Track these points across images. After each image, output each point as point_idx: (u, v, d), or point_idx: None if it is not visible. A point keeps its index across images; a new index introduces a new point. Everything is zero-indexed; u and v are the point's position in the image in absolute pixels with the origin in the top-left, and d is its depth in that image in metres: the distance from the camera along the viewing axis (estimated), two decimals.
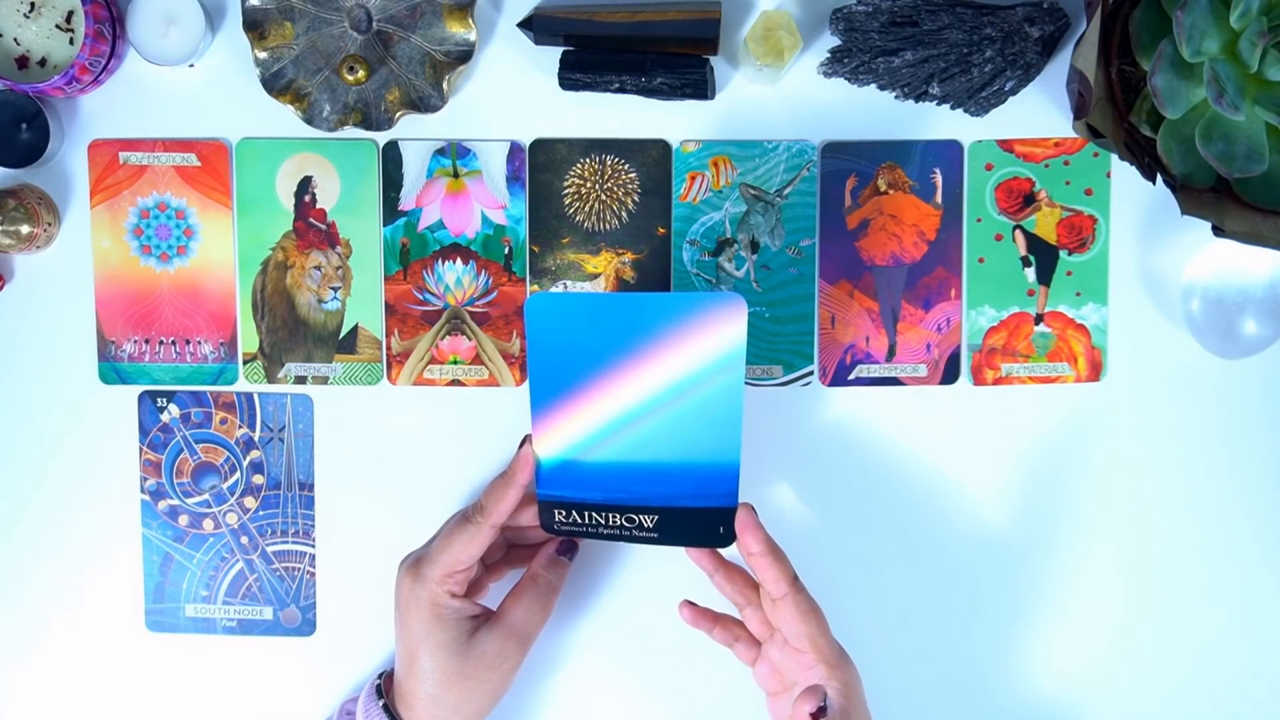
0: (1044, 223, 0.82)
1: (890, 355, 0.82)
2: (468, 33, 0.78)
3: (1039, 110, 0.81)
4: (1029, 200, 0.81)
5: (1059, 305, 0.82)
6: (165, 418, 0.82)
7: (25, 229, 0.78)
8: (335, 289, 0.82)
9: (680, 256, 0.81)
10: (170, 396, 0.82)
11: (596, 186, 0.81)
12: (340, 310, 0.82)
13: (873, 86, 0.80)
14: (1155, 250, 0.82)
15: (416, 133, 0.81)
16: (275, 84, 0.79)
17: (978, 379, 0.82)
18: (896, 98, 0.80)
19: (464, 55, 0.78)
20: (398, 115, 0.79)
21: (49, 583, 0.83)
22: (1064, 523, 0.83)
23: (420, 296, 0.82)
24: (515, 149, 0.81)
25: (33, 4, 0.78)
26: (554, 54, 0.80)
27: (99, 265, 0.82)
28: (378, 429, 0.82)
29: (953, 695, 0.83)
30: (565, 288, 0.82)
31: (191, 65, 0.81)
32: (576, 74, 0.78)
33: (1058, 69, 0.80)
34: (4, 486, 0.83)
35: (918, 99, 0.80)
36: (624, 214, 0.82)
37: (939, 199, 0.81)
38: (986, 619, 0.83)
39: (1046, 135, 0.81)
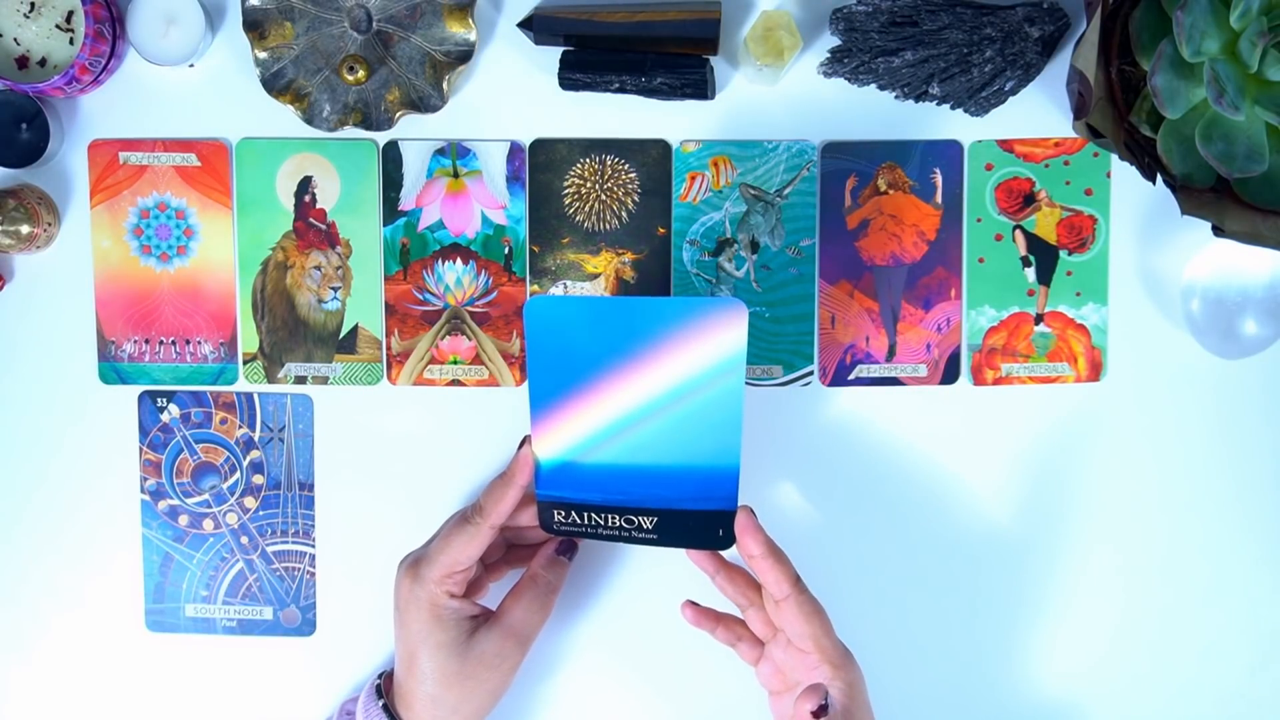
0: (1044, 223, 0.82)
1: (890, 355, 0.82)
2: (468, 33, 0.78)
3: (1039, 110, 0.81)
4: (1029, 200, 0.81)
5: (1059, 305, 0.82)
6: (165, 418, 0.82)
7: (25, 229, 0.78)
8: (335, 289, 0.82)
9: (680, 256, 0.81)
10: (170, 396, 0.82)
11: (596, 186, 0.81)
12: (340, 310, 0.82)
13: (873, 86, 0.80)
14: (1155, 250, 0.82)
15: (416, 133, 0.81)
16: (275, 84, 0.79)
17: (978, 379, 0.82)
18: (896, 98, 0.80)
19: (464, 55, 0.78)
20: (398, 115, 0.79)
21: (49, 583, 0.83)
22: (1064, 522, 0.83)
23: (420, 296, 0.82)
24: (515, 149, 0.81)
25: (33, 4, 0.78)
26: (554, 54, 0.80)
27: (99, 265, 0.82)
28: (378, 429, 0.82)
29: (954, 695, 0.83)
30: (565, 288, 0.82)
31: (191, 65, 0.81)
32: (576, 74, 0.78)
33: (1058, 69, 0.80)
34: (4, 486, 0.83)
35: (918, 99, 0.80)
36: (624, 214, 0.82)
37: (939, 199, 0.81)
38: (987, 619, 0.83)
39: (1046, 135, 0.81)
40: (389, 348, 0.82)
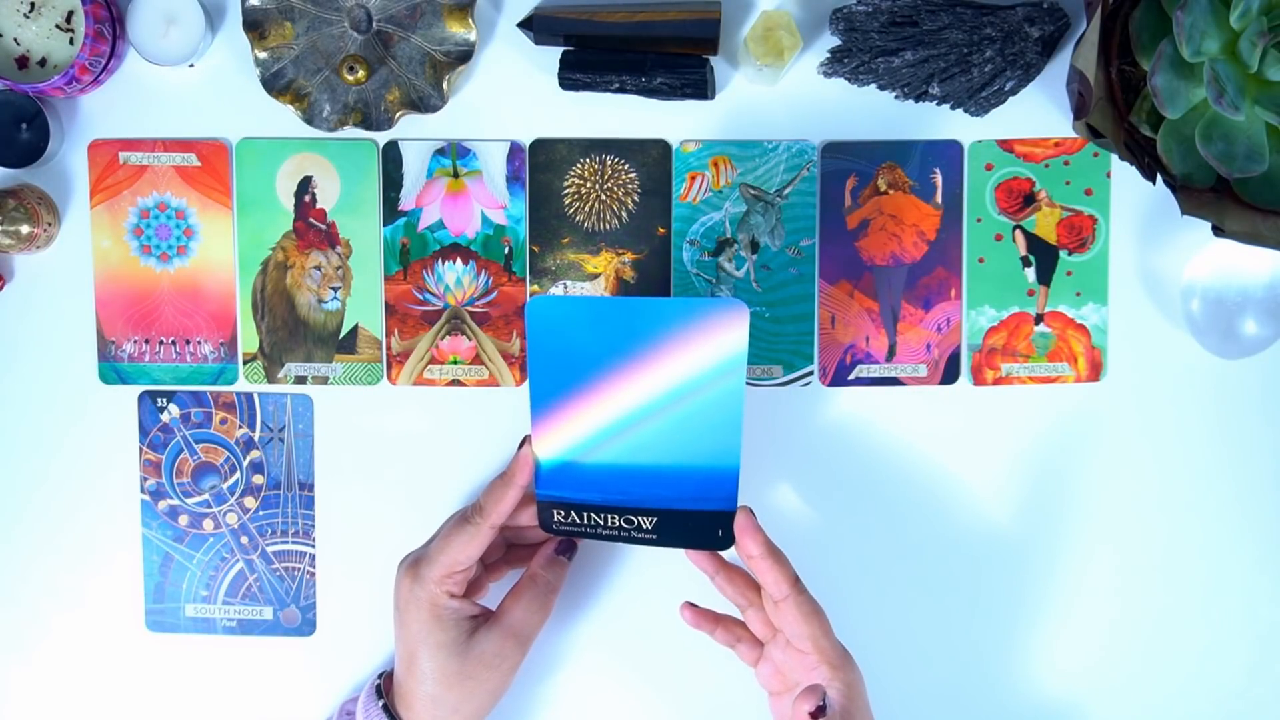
0: (1044, 223, 0.82)
1: (890, 355, 0.82)
2: (468, 33, 0.78)
3: (1039, 110, 0.81)
4: (1029, 200, 0.81)
5: (1059, 305, 0.82)
6: (165, 418, 0.82)
7: (25, 229, 0.78)
8: (335, 289, 0.82)
9: (680, 256, 0.81)
10: (170, 396, 0.82)
11: (596, 186, 0.81)
12: (340, 310, 0.82)
13: (873, 86, 0.80)
14: (1155, 250, 0.82)
15: (416, 133, 0.81)
16: (275, 84, 0.79)
17: (978, 379, 0.82)
18: (896, 98, 0.80)
19: (464, 55, 0.78)
20: (398, 115, 0.79)
21: (49, 583, 0.83)
22: (1064, 523, 0.83)
23: (420, 296, 0.82)
24: (515, 149, 0.81)
25: (33, 4, 0.78)
26: (554, 54, 0.80)
27: (99, 265, 0.82)
28: (378, 429, 0.82)
29: (954, 695, 0.83)
30: (565, 288, 0.82)
31: (191, 65, 0.81)
32: (576, 74, 0.78)
33: (1058, 69, 0.80)
34: (4, 486, 0.83)
35: (918, 99, 0.80)
36: (624, 214, 0.82)
37: (939, 199, 0.81)
38: (987, 619, 0.83)
39: (1046, 135, 0.81)
40: (389, 348, 0.82)
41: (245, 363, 0.82)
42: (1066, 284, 0.82)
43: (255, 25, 0.78)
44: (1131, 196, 0.81)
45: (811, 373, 0.82)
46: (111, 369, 0.82)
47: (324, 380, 0.82)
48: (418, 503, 0.82)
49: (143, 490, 0.83)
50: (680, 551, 0.78)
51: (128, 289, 0.82)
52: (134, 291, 0.82)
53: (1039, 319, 0.82)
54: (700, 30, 0.77)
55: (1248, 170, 0.70)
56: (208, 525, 0.83)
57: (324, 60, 0.78)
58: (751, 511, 0.71)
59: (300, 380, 0.82)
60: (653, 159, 0.81)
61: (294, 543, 0.83)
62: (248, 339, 0.82)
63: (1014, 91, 0.79)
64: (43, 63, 0.78)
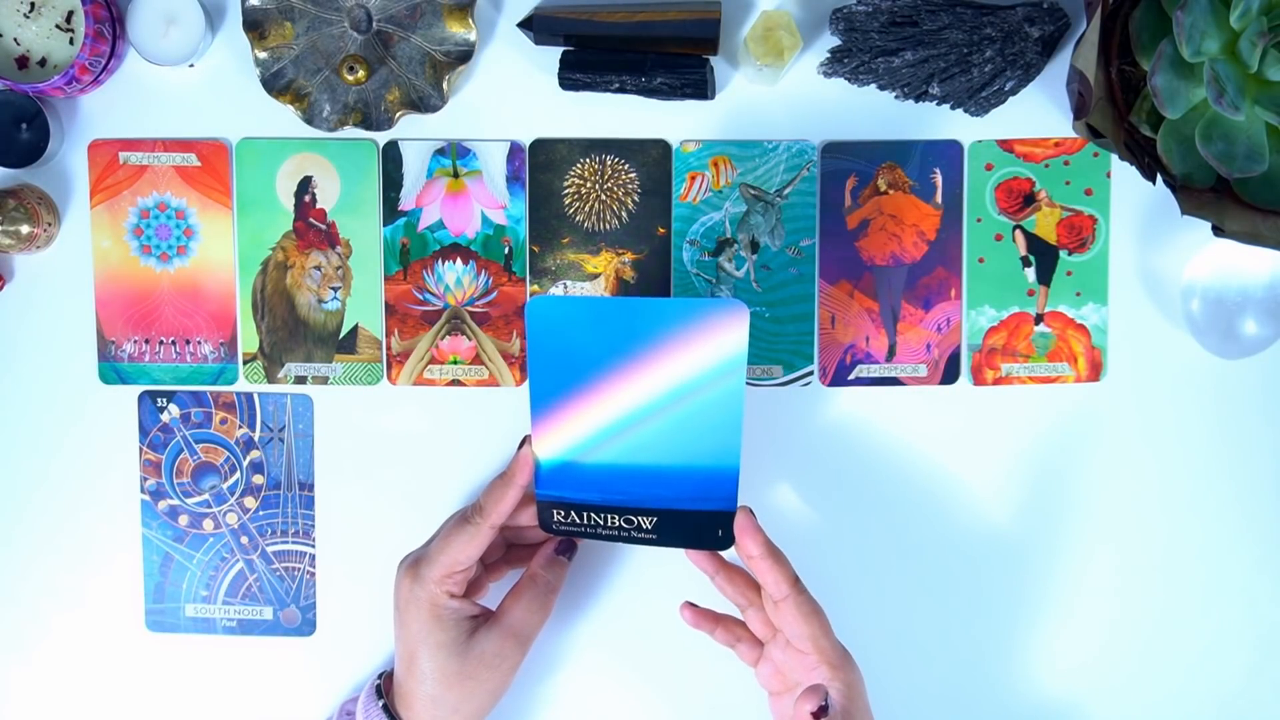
0: (1044, 223, 0.82)
1: (890, 355, 0.82)
2: (468, 33, 0.78)
3: (1039, 110, 0.81)
4: (1029, 200, 0.81)
5: (1059, 305, 0.82)
6: (165, 418, 0.82)
7: (25, 229, 0.78)
8: (335, 289, 0.82)
9: (680, 256, 0.81)
10: (170, 396, 0.82)
11: (596, 186, 0.81)
12: (340, 310, 0.82)
13: (873, 86, 0.80)
14: (1155, 250, 0.82)
15: (416, 133, 0.81)
16: (275, 84, 0.79)
17: (978, 379, 0.82)
18: (896, 98, 0.80)
19: (464, 55, 0.78)
20: (398, 115, 0.79)
21: (49, 583, 0.83)
22: (1064, 522, 0.83)
23: (420, 296, 0.82)
24: (515, 149, 0.81)
25: (33, 4, 0.78)
26: (554, 54, 0.80)
27: (99, 265, 0.82)
28: (378, 429, 0.82)
29: (954, 695, 0.83)
30: (565, 288, 0.82)
31: (191, 65, 0.81)
32: (576, 74, 0.78)
33: (1058, 69, 0.80)
34: (4, 486, 0.83)
35: (918, 99, 0.80)
36: (624, 214, 0.82)
37: (939, 199, 0.81)
38: (987, 619, 0.83)
39: (1046, 135, 0.81)
40: (389, 348, 0.82)
41: (245, 363, 0.82)
42: (1066, 284, 0.82)
43: (255, 25, 0.78)
44: (1131, 196, 0.81)
45: (811, 373, 0.82)
46: (111, 369, 0.82)
47: (324, 380, 0.82)
48: (418, 503, 0.82)
49: (143, 490, 0.83)
50: (680, 551, 0.78)
51: (128, 289, 0.82)
52: (134, 291, 0.82)
53: (1039, 319, 0.82)
54: (700, 30, 0.77)
55: (1248, 170, 0.70)
56: (208, 525, 0.83)
57: (324, 60, 0.78)
58: (751, 511, 0.72)
59: (300, 380, 0.82)
60: (653, 159, 0.81)
61: (294, 543, 0.83)
62: (248, 339, 0.82)
63: (1014, 91, 0.79)
64: (43, 63, 0.78)
